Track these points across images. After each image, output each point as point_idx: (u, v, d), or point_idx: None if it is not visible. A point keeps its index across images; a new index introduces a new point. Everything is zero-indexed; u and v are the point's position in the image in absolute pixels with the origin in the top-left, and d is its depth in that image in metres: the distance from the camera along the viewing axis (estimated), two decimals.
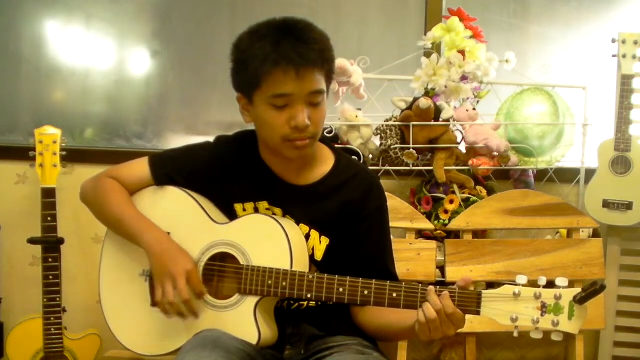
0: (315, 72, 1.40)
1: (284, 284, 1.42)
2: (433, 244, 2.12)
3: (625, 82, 2.31)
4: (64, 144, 2.28)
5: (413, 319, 1.36)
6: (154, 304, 1.50)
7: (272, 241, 1.45)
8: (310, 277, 1.42)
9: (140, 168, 1.59)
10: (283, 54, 1.37)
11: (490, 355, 2.52)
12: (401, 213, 2.10)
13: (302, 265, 1.47)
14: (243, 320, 1.44)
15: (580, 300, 1.27)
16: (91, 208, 1.63)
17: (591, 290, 1.25)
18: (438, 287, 1.35)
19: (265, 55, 1.38)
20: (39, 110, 2.64)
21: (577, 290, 1.28)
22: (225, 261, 1.50)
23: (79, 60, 2.65)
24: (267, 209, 1.54)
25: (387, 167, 2.28)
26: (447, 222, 2.20)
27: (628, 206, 2.31)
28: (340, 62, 2.21)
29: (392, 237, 1.63)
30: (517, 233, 2.31)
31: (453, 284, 1.38)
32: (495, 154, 2.27)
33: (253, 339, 1.43)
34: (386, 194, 1.62)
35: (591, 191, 2.35)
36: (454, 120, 2.28)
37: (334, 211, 1.53)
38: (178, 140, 2.65)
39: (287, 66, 1.37)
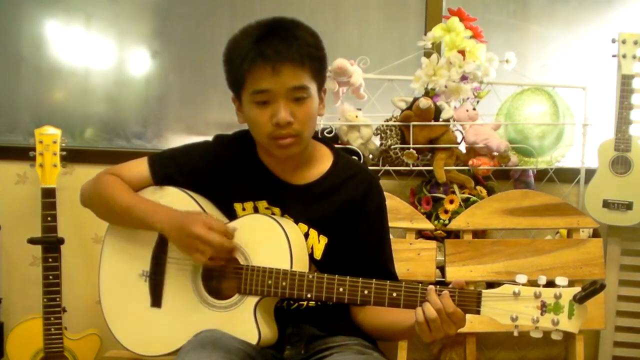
0: (294, 68, 1.40)
1: (284, 283, 1.42)
2: (433, 244, 2.11)
3: (625, 82, 2.31)
4: (64, 144, 2.29)
5: (413, 319, 1.35)
6: (154, 304, 1.51)
7: (272, 241, 1.45)
8: (310, 276, 1.42)
9: (139, 168, 1.59)
10: (260, 51, 1.39)
11: (490, 355, 2.52)
12: (401, 213, 2.10)
13: (301, 265, 1.47)
14: (243, 320, 1.44)
15: (580, 299, 1.27)
16: (94, 206, 1.62)
17: (591, 290, 1.25)
18: (438, 286, 1.35)
19: (245, 54, 1.40)
20: (39, 110, 2.64)
21: (577, 289, 1.28)
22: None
23: (79, 60, 2.65)
24: (267, 209, 1.54)
25: (387, 167, 2.28)
26: (447, 222, 2.20)
27: (628, 206, 2.31)
28: (340, 62, 2.21)
29: (392, 237, 1.63)
30: (517, 233, 2.31)
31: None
32: (495, 154, 2.27)
33: (253, 339, 1.43)
34: (386, 194, 1.63)
35: (591, 191, 2.35)
36: (454, 120, 2.27)
37: (333, 210, 1.53)
38: (178, 140, 2.64)
39: (263, 63, 1.38)
